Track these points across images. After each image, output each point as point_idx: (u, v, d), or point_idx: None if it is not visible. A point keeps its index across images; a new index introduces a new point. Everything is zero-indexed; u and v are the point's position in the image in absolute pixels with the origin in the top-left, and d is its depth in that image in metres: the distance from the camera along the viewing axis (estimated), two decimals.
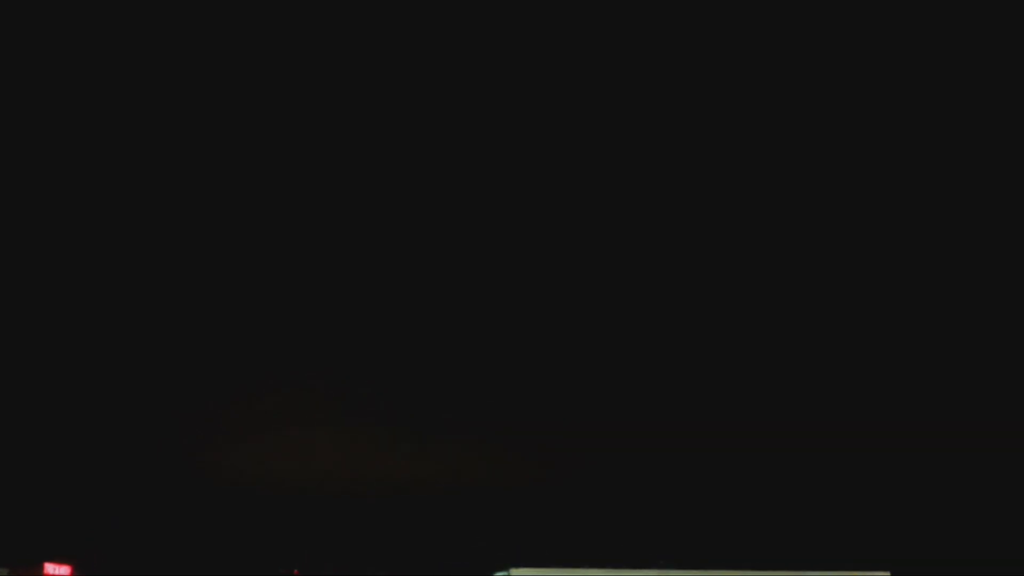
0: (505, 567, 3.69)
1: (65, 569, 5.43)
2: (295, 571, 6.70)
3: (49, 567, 5.35)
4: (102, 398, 6.24)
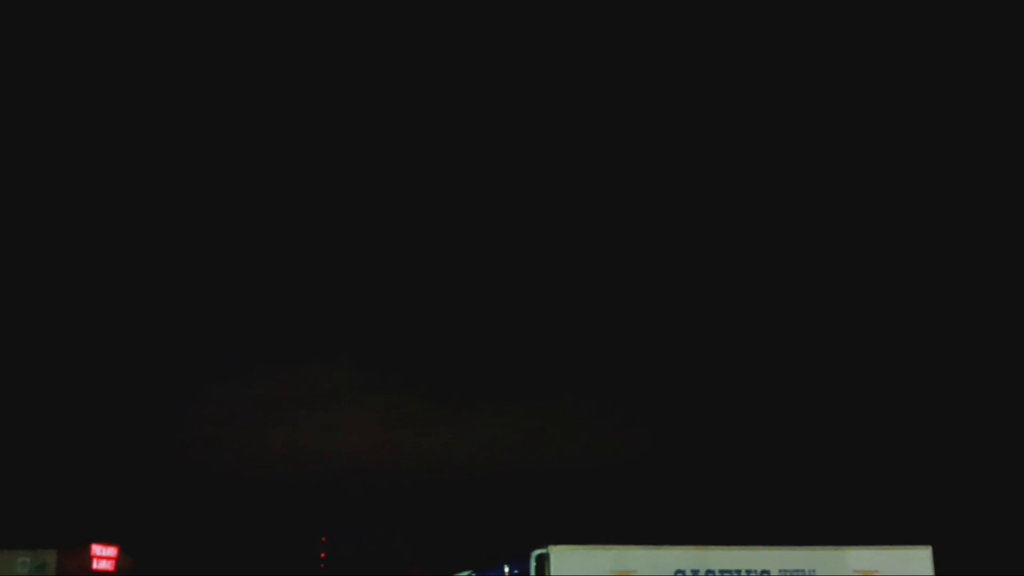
0: (544, 544, 3.70)
1: (112, 550, 5.51)
2: (323, 539, 6.74)
3: (96, 548, 5.43)
4: (139, 383, 6.30)
